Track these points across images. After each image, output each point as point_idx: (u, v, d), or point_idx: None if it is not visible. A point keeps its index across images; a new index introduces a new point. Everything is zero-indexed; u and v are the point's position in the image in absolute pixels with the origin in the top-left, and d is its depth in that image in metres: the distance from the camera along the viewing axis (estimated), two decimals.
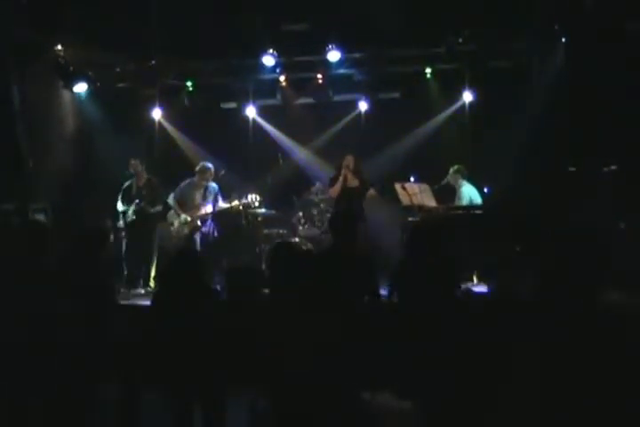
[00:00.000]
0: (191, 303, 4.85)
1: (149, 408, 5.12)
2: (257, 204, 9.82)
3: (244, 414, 4.74)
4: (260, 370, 4.52)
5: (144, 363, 5.15)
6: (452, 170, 9.35)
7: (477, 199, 9.23)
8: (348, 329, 4.59)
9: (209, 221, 9.73)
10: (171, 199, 9.77)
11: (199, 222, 9.63)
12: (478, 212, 8.93)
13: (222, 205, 9.72)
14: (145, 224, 9.61)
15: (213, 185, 9.76)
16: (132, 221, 9.58)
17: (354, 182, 9.37)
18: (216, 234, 9.82)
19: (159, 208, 9.68)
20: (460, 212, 9.02)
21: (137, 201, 9.53)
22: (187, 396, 4.86)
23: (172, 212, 9.77)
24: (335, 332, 4.59)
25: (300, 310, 4.56)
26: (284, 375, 4.39)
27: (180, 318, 4.81)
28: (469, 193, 9.22)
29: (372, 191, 9.40)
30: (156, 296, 5.37)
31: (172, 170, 10.76)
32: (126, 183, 9.73)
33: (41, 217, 9.34)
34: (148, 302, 8.43)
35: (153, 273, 9.61)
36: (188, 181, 9.84)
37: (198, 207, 9.65)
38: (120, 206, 9.69)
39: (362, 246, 7.46)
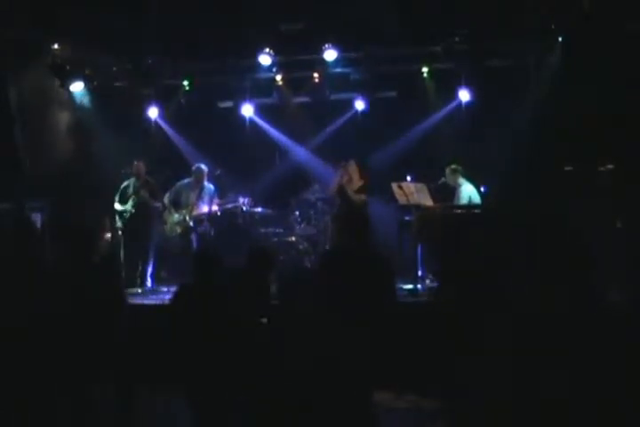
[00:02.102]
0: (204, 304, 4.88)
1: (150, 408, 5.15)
2: (248, 207, 9.88)
3: (243, 415, 4.75)
4: (260, 370, 4.53)
5: (143, 362, 5.16)
6: (448, 170, 9.34)
7: (476, 199, 9.24)
8: (354, 329, 4.60)
9: (205, 222, 9.75)
10: (166, 199, 9.81)
11: (191, 223, 9.65)
12: (476, 211, 8.93)
13: (214, 207, 9.71)
14: (144, 220, 9.63)
15: (209, 186, 9.80)
16: (131, 217, 9.58)
17: (356, 183, 9.31)
18: (212, 234, 9.84)
19: (159, 204, 9.72)
20: (458, 211, 9.01)
21: (133, 197, 9.56)
22: (187, 395, 4.87)
23: (167, 212, 9.80)
24: (340, 331, 4.60)
25: (314, 311, 4.57)
26: (285, 375, 4.40)
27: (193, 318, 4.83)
28: (469, 193, 9.22)
29: (362, 196, 9.28)
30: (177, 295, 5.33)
31: (168, 169, 10.74)
32: (124, 183, 9.75)
33: (37, 216, 9.35)
34: (144, 301, 8.54)
35: (149, 272, 9.65)
36: (184, 181, 9.91)
37: (193, 207, 9.67)
38: (118, 206, 9.70)
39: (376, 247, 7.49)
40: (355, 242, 5.38)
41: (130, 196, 9.63)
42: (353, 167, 9.31)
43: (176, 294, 5.29)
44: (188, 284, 5.28)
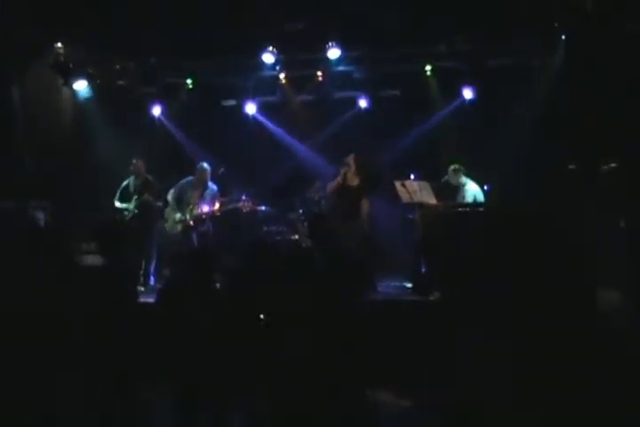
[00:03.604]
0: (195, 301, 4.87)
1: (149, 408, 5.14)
2: (248, 208, 9.89)
3: (243, 415, 4.76)
4: (260, 369, 4.55)
5: (142, 361, 5.17)
6: (450, 170, 9.31)
7: (481, 197, 9.22)
8: (347, 328, 4.61)
9: (207, 221, 9.75)
10: (169, 196, 9.80)
11: (192, 222, 9.65)
12: (479, 209, 8.91)
13: (215, 208, 9.69)
14: (146, 219, 9.63)
15: (212, 186, 9.78)
16: (133, 216, 9.59)
17: (354, 181, 9.24)
18: (212, 232, 9.83)
19: (160, 203, 9.73)
20: (461, 209, 8.99)
21: (135, 197, 9.57)
22: (187, 395, 4.88)
23: (169, 209, 9.80)
24: (334, 330, 4.61)
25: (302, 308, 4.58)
26: (285, 374, 4.42)
27: (182, 316, 4.83)
28: (474, 192, 9.18)
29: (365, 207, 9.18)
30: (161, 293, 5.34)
31: (172, 168, 10.77)
32: (124, 182, 9.75)
33: (40, 215, 9.36)
34: (147, 300, 8.53)
35: (152, 270, 9.66)
36: (187, 179, 9.88)
37: (194, 207, 9.66)
38: (117, 204, 9.69)
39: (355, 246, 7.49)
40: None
41: (131, 195, 9.64)
42: (350, 164, 9.23)
43: (161, 292, 5.30)
44: (173, 282, 5.28)
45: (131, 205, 9.61)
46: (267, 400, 4.65)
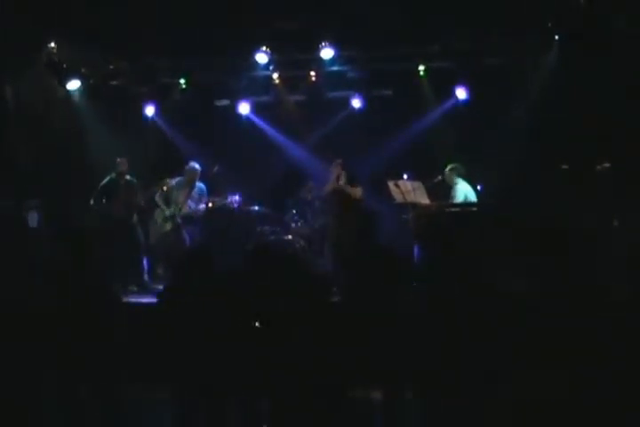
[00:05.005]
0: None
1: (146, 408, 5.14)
2: (236, 204, 9.91)
3: (244, 414, 4.77)
4: (260, 369, 4.55)
5: (140, 361, 5.16)
6: (448, 168, 9.34)
7: (472, 197, 9.23)
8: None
9: (195, 220, 9.77)
10: (157, 196, 9.79)
11: (180, 220, 9.65)
12: (472, 209, 8.94)
13: (201, 206, 9.72)
14: (130, 219, 9.59)
15: (201, 186, 9.80)
16: (118, 217, 9.52)
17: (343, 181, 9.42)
18: (198, 232, 9.83)
19: (143, 203, 9.69)
20: (454, 209, 9.02)
21: (123, 198, 9.49)
22: (187, 395, 4.87)
23: (159, 209, 9.79)
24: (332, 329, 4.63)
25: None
26: (284, 374, 4.42)
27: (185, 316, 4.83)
28: (464, 191, 9.22)
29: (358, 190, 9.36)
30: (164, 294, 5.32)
31: (165, 167, 10.74)
32: (105, 180, 9.63)
33: (34, 215, 9.32)
34: (140, 300, 8.52)
35: (145, 269, 9.64)
36: (176, 179, 9.87)
37: (183, 206, 9.66)
38: (93, 203, 9.57)
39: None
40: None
41: (115, 195, 9.51)
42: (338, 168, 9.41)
43: (163, 295, 5.29)
44: (174, 285, 5.27)
45: (109, 208, 9.49)
46: (267, 400, 4.65)
